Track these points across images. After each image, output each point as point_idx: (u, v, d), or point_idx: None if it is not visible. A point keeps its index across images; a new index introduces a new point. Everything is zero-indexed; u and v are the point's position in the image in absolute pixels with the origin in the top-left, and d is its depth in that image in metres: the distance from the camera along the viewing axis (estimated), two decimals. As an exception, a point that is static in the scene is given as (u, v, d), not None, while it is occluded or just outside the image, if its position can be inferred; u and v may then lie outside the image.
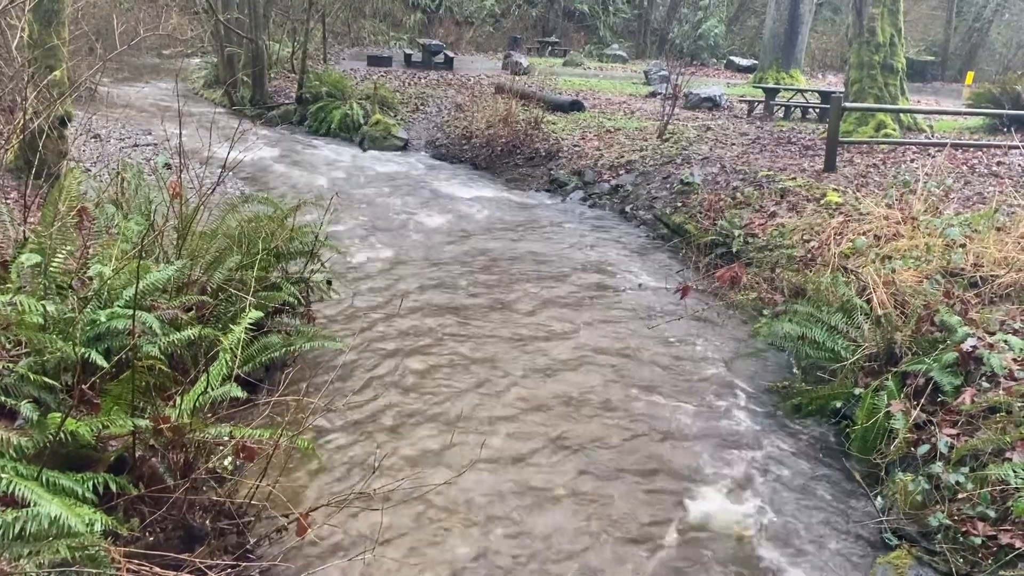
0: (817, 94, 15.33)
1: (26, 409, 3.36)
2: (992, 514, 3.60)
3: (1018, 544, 3.41)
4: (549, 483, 4.17)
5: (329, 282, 6.16)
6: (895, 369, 4.72)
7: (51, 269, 4.38)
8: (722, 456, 4.53)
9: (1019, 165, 9.72)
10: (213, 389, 3.62)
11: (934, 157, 9.79)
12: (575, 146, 12.01)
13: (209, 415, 3.81)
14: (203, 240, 5.23)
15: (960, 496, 3.77)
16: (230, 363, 3.71)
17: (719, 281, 6.34)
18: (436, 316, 6.28)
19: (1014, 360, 4.42)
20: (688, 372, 5.55)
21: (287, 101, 15.49)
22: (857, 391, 4.72)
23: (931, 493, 3.86)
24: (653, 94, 17.59)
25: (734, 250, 7.59)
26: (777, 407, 5.13)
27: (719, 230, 7.95)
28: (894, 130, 12.08)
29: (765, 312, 6.31)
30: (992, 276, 5.33)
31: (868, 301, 5.28)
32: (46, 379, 3.58)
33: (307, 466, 4.16)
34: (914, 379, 4.56)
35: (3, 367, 3.63)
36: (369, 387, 5.09)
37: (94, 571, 2.65)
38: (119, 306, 4.12)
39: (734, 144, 11.66)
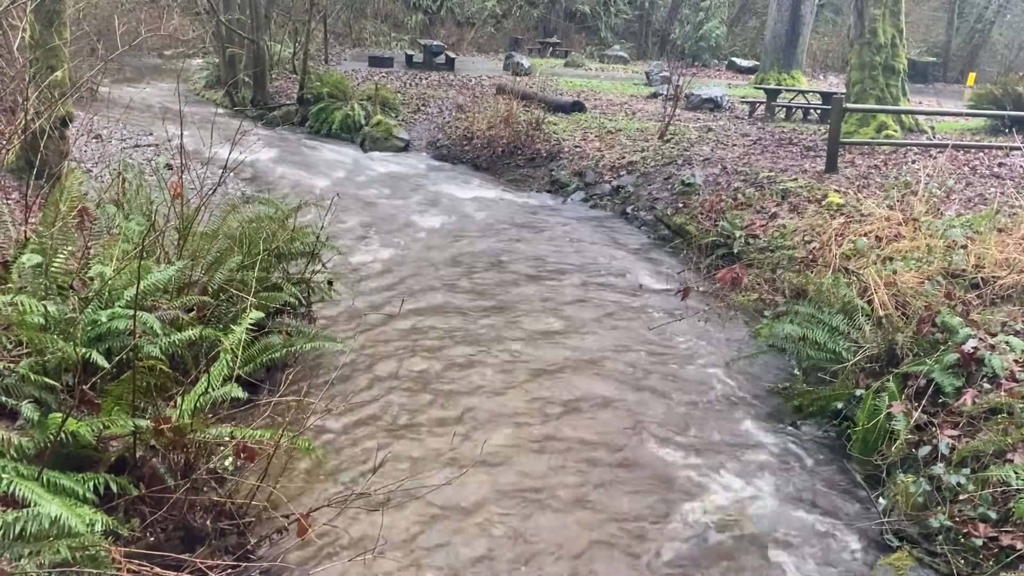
0: (818, 95, 15.32)
1: (27, 409, 3.37)
2: (993, 516, 3.60)
3: (1019, 546, 3.41)
4: (549, 484, 4.17)
5: (330, 283, 6.16)
6: (896, 370, 4.71)
7: (52, 269, 4.38)
8: (723, 457, 4.53)
9: (1020, 166, 9.71)
10: (214, 390, 3.62)
11: (935, 158, 9.78)
12: (576, 147, 12.00)
13: (210, 416, 3.81)
14: (204, 241, 5.23)
15: (961, 497, 3.76)
16: (231, 364, 3.71)
17: (720, 282, 6.35)
18: (437, 317, 6.27)
19: (1015, 361, 4.41)
20: (689, 373, 5.55)
21: (288, 102, 15.49)
22: (858, 392, 4.71)
23: (932, 494, 3.86)
24: (654, 95, 17.58)
25: (735, 251, 7.59)
26: (778, 408, 5.13)
27: (720, 231, 7.94)
28: (895, 131, 12.08)
29: (766, 313, 6.30)
30: (993, 277, 5.33)
31: (869, 302, 5.28)
32: (47, 379, 3.59)
33: (308, 467, 4.16)
34: (915, 380, 4.56)
35: (4, 367, 3.64)
36: (370, 388, 5.09)
37: (94, 571, 2.65)
38: (120, 306, 4.12)
39: (735, 145, 11.65)
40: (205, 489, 3.63)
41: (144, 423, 3.32)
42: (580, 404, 5.02)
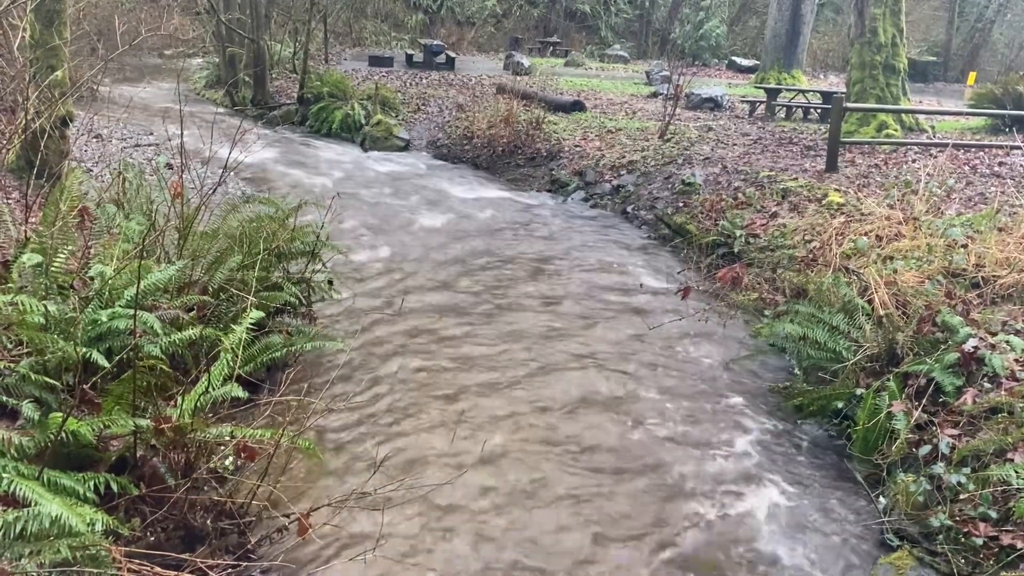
0: (819, 94, 15.32)
1: (27, 409, 3.37)
2: (994, 515, 3.60)
3: (1020, 545, 3.41)
4: (550, 483, 4.17)
5: (330, 282, 6.16)
6: (896, 370, 4.71)
7: (52, 269, 4.38)
8: (723, 457, 4.53)
9: (1021, 165, 9.71)
10: (214, 389, 3.62)
11: (936, 157, 9.78)
12: (576, 146, 12.00)
13: (210, 415, 3.81)
14: (204, 240, 5.23)
15: (962, 497, 3.76)
16: (231, 363, 3.71)
17: (720, 281, 6.34)
18: (437, 316, 6.28)
19: (1016, 361, 4.42)
20: (689, 373, 5.55)
21: (288, 101, 15.49)
22: (858, 392, 4.71)
23: (932, 494, 3.86)
24: (655, 94, 17.57)
25: (735, 250, 7.59)
26: (778, 408, 5.13)
27: (720, 230, 7.94)
28: (896, 130, 12.07)
29: (766, 313, 6.30)
30: (994, 277, 5.33)
31: (870, 302, 5.28)
32: (47, 379, 3.59)
33: (308, 466, 4.16)
34: (915, 380, 4.56)
35: (4, 367, 3.64)
36: (370, 387, 5.09)
37: (95, 571, 2.65)
38: (120, 306, 4.12)
39: (735, 144, 11.65)
40: (205, 488, 3.63)
41: (144, 423, 3.32)
42: (580, 402, 5.02)
